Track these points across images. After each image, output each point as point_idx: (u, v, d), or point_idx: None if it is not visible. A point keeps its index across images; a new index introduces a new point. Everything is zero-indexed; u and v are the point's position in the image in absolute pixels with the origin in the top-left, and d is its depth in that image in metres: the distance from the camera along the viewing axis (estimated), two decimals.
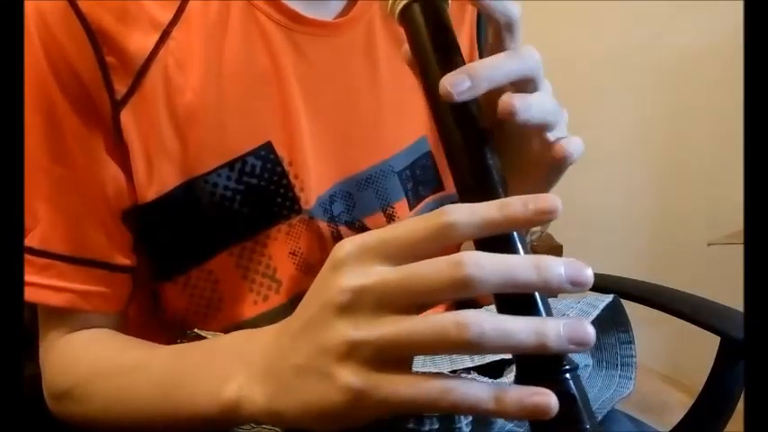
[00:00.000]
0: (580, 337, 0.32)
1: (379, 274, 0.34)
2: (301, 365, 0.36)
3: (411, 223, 0.34)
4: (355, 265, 0.34)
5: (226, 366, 0.42)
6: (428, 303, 0.34)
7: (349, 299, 0.34)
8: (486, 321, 0.31)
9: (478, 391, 0.32)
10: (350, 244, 0.35)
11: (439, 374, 0.33)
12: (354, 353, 0.34)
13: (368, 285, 0.34)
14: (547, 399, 0.31)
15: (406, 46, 0.42)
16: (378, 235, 0.35)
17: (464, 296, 0.32)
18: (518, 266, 0.32)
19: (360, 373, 0.33)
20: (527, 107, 0.39)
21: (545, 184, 0.50)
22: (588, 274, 0.32)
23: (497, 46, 0.43)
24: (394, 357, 0.33)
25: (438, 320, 0.32)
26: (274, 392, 0.38)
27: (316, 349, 0.35)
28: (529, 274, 0.32)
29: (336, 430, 0.36)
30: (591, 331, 0.32)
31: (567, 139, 0.45)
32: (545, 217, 0.33)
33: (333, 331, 0.34)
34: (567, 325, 0.32)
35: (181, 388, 0.45)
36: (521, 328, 0.32)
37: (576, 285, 0.32)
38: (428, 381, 0.33)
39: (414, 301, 0.33)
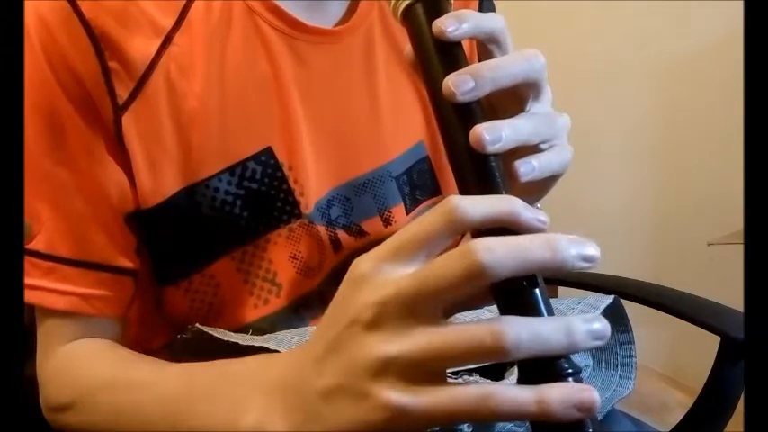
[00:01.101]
0: (601, 332, 0.33)
1: (396, 281, 0.33)
2: (331, 388, 0.35)
3: (418, 220, 0.34)
4: (374, 278, 0.34)
5: (241, 394, 0.41)
6: (451, 301, 0.33)
7: (374, 313, 0.33)
8: (521, 327, 0.31)
9: (519, 394, 0.31)
10: (366, 259, 0.35)
11: (475, 383, 0.33)
12: (389, 368, 0.32)
13: (389, 296, 0.33)
14: (591, 395, 0.31)
15: (409, 47, 0.42)
16: (390, 243, 0.34)
17: (481, 284, 0.32)
18: (530, 246, 0.32)
19: (397, 388, 0.32)
20: (497, 138, 0.37)
21: (538, 191, 0.50)
22: (593, 250, 0.33)
23: (487, 58, 0.42)
24: (429, 370, 0.33)
25: (473, 329, 0.31)
26: (299, 421, 0.36)
27: (347, 368, 0.34)
28: (543, 253, 0.32)
29: None
30: (607, 326, 0.33)
31: (524, 160, 0.42)
32: (542, 229, 0.34)
33: (364, 348, 0.33)
34: (587, 320, 0.32)
35: (193, 415, 0.43)
36: (553, 331, 0.32)
37: (586, 261, 0.33)
38: (466, 390, 0.32)
39: (437, 302, 0.33)
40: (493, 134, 0.37)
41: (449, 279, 0.32)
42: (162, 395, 0.47)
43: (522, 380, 0.34)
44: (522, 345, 0.31)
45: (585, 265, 0.32)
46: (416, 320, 0.33)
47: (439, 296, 0.32)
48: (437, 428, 0.44)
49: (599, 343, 0.33)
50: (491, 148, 0.37)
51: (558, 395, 0.31)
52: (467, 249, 0.32)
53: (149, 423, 0.46)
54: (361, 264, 0.35)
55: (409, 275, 0.33)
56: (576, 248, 0.32)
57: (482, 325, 0.31)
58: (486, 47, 0.43)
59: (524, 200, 0.35)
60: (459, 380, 0.42)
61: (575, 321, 0.32)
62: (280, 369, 0.40)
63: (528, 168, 0.42)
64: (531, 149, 0.43)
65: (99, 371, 0.52)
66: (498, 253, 0.31)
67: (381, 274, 0.34)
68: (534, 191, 0.49)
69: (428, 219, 0.34)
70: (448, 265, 0.32)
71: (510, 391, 0.32)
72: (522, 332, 0.31)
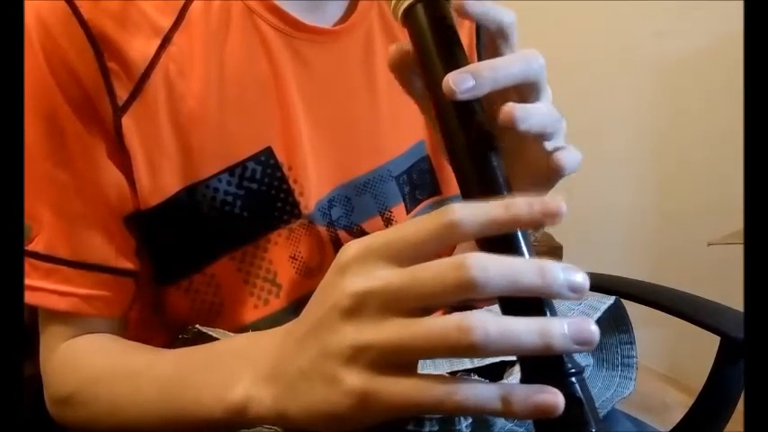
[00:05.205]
0: (585, 336, 0.32)
1: (382, 277, 0.33)
2: (307, 369, 0.36)
3: (415, 223, 0.34)
4: (360, 268, 0.34)
5: (232, 368, 0.42)
6: (432, 306, 0.34)
7: (353, 303, 0.34)
8: (490, 324, 0.31)
9: (484, 391, 0.32)
10: (355, 247, 0.35)
11: (443, 376, 0.33)
12: (359, 356, 0.33)
13: (372, 289, 0.33)
14: (554, 397, 0.31)
15: (393, 46, 0.42)
16: (382, 236, 0.35)
17: (468, 298, 0.32)
18: (522, 270, 0.32)
19: (365, 376, 0.33)
20: (527, 117, 0.39)
21: (541, 190, 0.50)
22: (582, 282, 0.32)
23: (493, 52, 0.43)
24: (399, 361, 0.33)
25: (441, 324, 0.32)
26: (281, 394, 0.38)
27: (321, 353, 0.35)
28: (533, 278, 0.32)
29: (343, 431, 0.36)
30: (595, 330, 0.32)
31: (564, 151, 0.45)
32: (550, 220, 0.33)
33: (337, 335, 0.34)
34: (571, 324, 0.32)
35: (186, 390, 0.45)
36: (525, 330, 0.31)
37: (574, 291, 0.32)
38: (432, 382, 0.33)
39: (418, 304, 0.33)
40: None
41: (436, 288, 0.32)
42: (157, 378, 0.48)
43: (524, 379, 0.34)
44: (491, 342, 0.31)
45: (573, 295, 0.32)
46: (393, 315, 0.33)
47: (422, 301, 0.33)
48: (436, 428, 0.44)
49: (582, 348, 0.32)
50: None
51: (521, 394, 0.32)
52: (461, 263, 0.32)
53: (147, 406, 0.47)
54: (350, 250, 0.35)
55: (398, 274, 0.33)
56: (566, 276, 0.32)
57: (452, 320, 0.31)
58: (494, 41, 0.43)
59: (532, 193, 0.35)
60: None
61: (554, 323, 0.32)
62: (269, 343, 0.41)
63: (565, 160, 0.45)
64: (537, 149, 0.44)
65: (99, 362, 0.53)
66: (491, 272, 0.31)
67: (367, 265, 0.34)
68: (538, 189, 0.49)
69: (425, 224, 0.34)
70: (439, 274, 0.32)
71: (475, 388, 0.32)
72: (492, 329, 0.31)
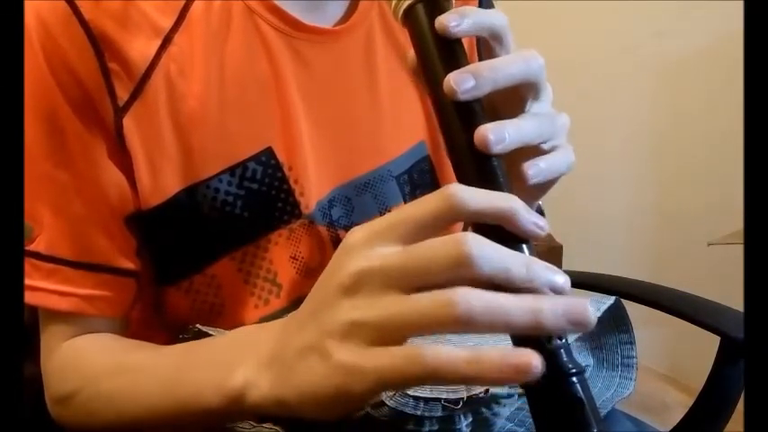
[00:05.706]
0: (578, 316, 0.31)
1: (382, 255, 0.34)
2: (304, 346, 0.36)
3: (416, 203, 0.35)
4: (363, 248, 0.35)
5: (232, 358, 0.42)
6: (431, 283, 0.33)
7: (353, 281, 0.34)
8: (475, 297, 0.31)
9: (454, 353, 0.31)
10: (359, 231, 0.36)
11: (420, 345, 0.33)
12: (354, 332, 0.34)
13: (371, 267, 0.34)
14: (528, 358, 0.30)
15: (411, 54, 0.42)
16: (386, 219, 0.35)
17: (464, 275, 0.32)
18: (513, 257, 0.33)
19: (355, 352, 0.33)
20: (501, 138, 0.38)
21: (539, 191, 0.50)
22: (563, 284, 0.33)
23: (489, 55, 0.43)
24: (391, 338, 0.33)
25: (427, 298, 0.32)
26: (278, 377, 0.38)
27: (318, 329, 0.35)
28: (520, 268, 0.32)
29: (335, 416, 0.36)
30: (590, 311, 0.32)
31: (532, 162, 0.43)
32: (540, 234, 0.34)
33: (334, 312, 0.35)
34: (565, 303, 0.32)
35: (187, 383, 0.45)
36: (513, 305, 0.31)
37: (554, 291, 0.33)
38: (403, 347, 0.33)
39: (416, 281, 0.33)
40: (497, 134, 0.38)
41: (433, 263, 0.32)
42: (158, 372, 0.48)
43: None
44: (476, 315, 0.31)
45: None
46: (392, 293, 0.33)
47: (420, 276, 0.33)
48: (436, 428, 0.44)
49: (576, 329, 0.32)
50: (495, 149, 0.37)
51: (492, 356, 0.31)
52: (458, 238, 0.32)
53: (147, 401, 0.47)
54: (355, 234, 0.36)
55: (396, 252, 0.34)
56: (547, 276, 0.33)
57: (439, 293, 0.32)
58: (489, 44, 0.43)
59: (525, 200, 0.35)
60: None
61: (545, 300, 0.32)
62: (271, 331, 0.41)
63: (536, 170, 0.43)
64: (533, 150, 0.44)
65: (101, 361, 0.53)
66: (486, 250, 0.32)
67: (370, 246, 0.35)
68: (535, 191, 0.49)
69: (425, 202, 0.34)
70: (436, 249, 0.33)
71: (445, 350, 0.31)
72: (476, 303, 0.31)
